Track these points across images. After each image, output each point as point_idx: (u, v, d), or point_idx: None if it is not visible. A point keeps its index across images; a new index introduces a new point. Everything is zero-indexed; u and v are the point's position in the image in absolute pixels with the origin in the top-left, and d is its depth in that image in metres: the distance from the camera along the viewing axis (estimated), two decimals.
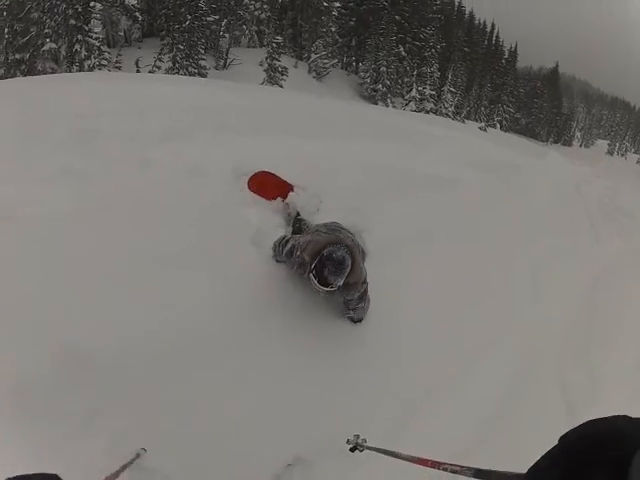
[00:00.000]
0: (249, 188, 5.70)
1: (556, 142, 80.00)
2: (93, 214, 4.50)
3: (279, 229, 5.30)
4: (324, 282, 3.84)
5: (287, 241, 4.54)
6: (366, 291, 4.36)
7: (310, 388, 3.98)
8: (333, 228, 4.39)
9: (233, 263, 4.62)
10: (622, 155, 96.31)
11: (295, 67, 40.26)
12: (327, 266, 3.78)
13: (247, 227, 5.10)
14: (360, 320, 4.68)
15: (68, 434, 3.14)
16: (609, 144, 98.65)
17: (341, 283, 3.89)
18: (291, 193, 5.77)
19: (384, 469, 3.53)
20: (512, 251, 6.99)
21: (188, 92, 9.82)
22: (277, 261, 4.79)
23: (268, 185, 5.79)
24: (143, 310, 3.88)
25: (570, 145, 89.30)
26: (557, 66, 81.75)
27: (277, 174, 5.92)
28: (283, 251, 4.48)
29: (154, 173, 5.37)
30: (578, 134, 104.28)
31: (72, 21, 27.56)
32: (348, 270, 3.87)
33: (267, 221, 5.35)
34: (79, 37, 27.83)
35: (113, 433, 3.22)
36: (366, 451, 3.34)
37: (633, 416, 1.10)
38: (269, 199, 5.70)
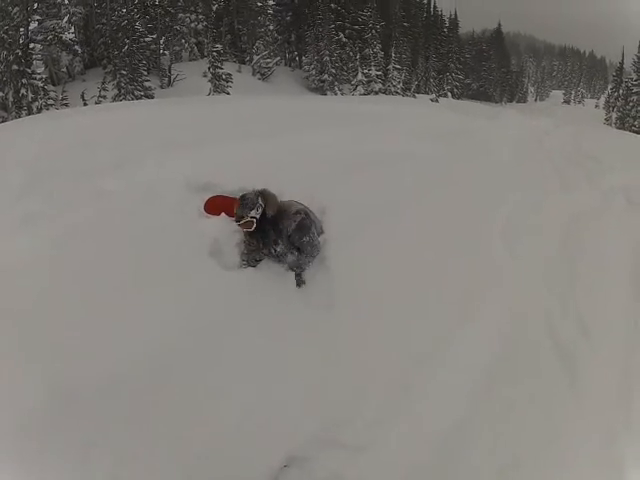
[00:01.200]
0: (207, 212, 5.68)
1: (510, 101, 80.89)
2: (53, 255, 4.55)
3: (235, 234, 5.32)
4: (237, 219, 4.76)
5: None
6: (308, 243, 4.90)
7: (294, 384, 3.96)
8: None
9: (195, 277, 4.65)
10: (579, 102, 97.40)
11: (239, 72, 40.10)
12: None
13: (203, 240, 5.11)
14: (299, 275, 5.01)
15: (66, 472, 3.14)
16: (564, 93, 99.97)
17: (247, 212, 4.71)
18: None
19: (381, 457, 3.56)
20: (481, 212, 7.04)
21: (134, 116, 9.93)
22: (248, 266, 5.04)
23: (226, 206, 5.69)
24: (120, 334, 3.92)
25: (525, 101, 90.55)
26: (499, 25, 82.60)
27: (228, 193, 5.90)
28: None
29: (108, 203, 5.42)
30: (531, 89, 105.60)
31: (15, 66, 27.58)
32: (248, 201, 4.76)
33: (223, 230, 5.35)
34: (23, 81, 27.82)
35: (111, 466, 3.21)
36: (360, 439, 3.48)
37: None
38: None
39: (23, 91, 27.80)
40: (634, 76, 52.21)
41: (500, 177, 8.72)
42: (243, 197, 4.78)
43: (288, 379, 3.96)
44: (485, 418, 4.01)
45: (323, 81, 44.17)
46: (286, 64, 49.99)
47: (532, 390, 4.34)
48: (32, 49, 28.58)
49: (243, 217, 4.71)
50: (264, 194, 4.85)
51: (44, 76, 30.09)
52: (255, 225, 4.76)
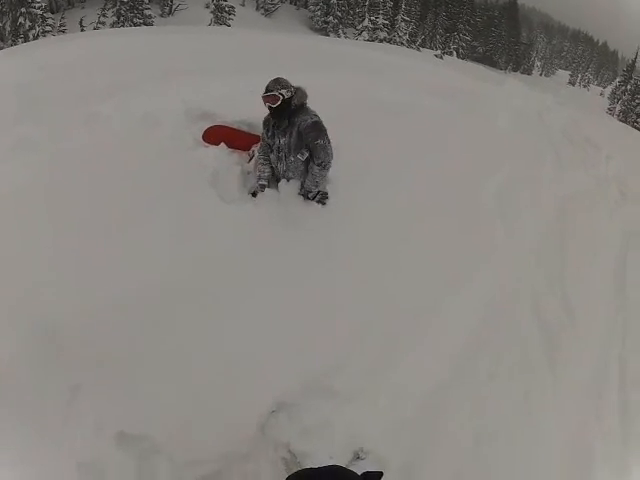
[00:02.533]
0: (206, 141, 5.63)
1: (515, 70, 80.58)
2: (48, 182, 4.44)
3: (235, 166, 5.35)
4: (266, 89, 4.84)
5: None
6: (321, 146, 4.94)
7: (287, 330, 3.95)
8: None
9: (193, 207, 4.60)
10: (584, 86, 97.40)
11: (242, 5, 39.51)
12: (268, 83, 4.87)
13: (203, 169, 5.08)
14: (311, 192, 5.06)
15: (53, 417, 3.11)
16: (571, 75, 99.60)
17: (276, 88, 4.83)
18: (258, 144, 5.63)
19: (367, 407, 3.65)
20: (477, 179, 7.04)
21: (132, 43, 9.71)
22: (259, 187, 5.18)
23: (227, 138, 5.69)
24: (110, 272, 3.84)
25: (530, 74, 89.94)
26: None
27: (228, 123, 5.91)
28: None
29: (103, 128, 5.36)
30: (538, 63, 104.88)
31: None
32: (281, 81, 4.91)
33: (223, 160, 5.33)
34: (22, 10, 27.54)
35: (98, 408, 3.19)
36: (349, 389, 3.59)
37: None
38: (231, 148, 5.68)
39: (21, 20, 27.68)
40: None
41: (499, 144, 8.73)
42: (278, 77, 4.92)
43: (282, 324, 3.94)
44: (466, 385, 4.09)
45: (327, 23, 43.45)
46: (291, 2, 49.03)
47: (512, 365, 4.47)
48: None
49: (272, 90, 4.81)
50: (298, 87, 4.98)
51: (43, 4, 29.66)
52: (279, 103, 4.85)
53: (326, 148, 4.92)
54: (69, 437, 3.02)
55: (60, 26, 30.47)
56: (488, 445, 3.75)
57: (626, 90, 57.42)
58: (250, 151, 5.66)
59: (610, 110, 58.19)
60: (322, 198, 5.08)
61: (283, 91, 4.81)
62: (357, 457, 3.43)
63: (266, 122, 5.15)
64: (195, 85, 6.60)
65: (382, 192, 5.69)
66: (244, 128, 5.93)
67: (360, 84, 8.78)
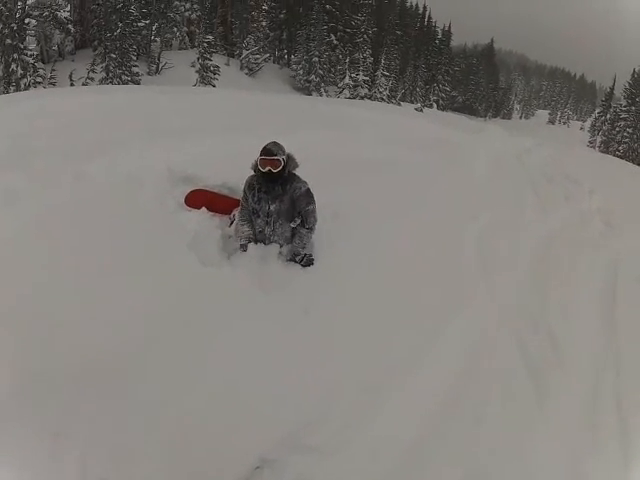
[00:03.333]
0: (188, 205, 5.76)
1: (495, 116, 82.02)
2: (30, 235, 4.50)
3: (216, 230, 5.48)
4: (268, 153, 4.96)
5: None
6: (312, 212, 5.22)
7: (266, 385, 3.96)
8: None
9: (173, 269, 4.68)
10: (564, 123, 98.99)
11: (227, 65, 40.12)
12: (266, 146, 4.98)
13: (182, 233, 5.20)
14: (302, 254, 5.25)
15: (35, 464, 3.10)
16: (550, 113, 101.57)
17: (278, 153, 4.96)
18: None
19: (350, 461, 3.59)
20: (457, 228, 7.16)
21: (121, 101, 9.99)
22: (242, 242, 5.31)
23: (209, 202, 5.84)
24: (95, 320, 3.92)
25: (510, 118, 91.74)
26: (492, 42, 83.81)
27: (210, 187, 6.05)
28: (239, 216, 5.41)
29: (89, 187, 5.41)
30: (517, 106, 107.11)
31: (8, 40, 27.59)
32: (281, 147, 5.04)
33: (204, 223, 5.47)
34: (15, 56, 27.88)
35: (84, 445, 3.21)
36: (330, 443, 3.55)
37: None
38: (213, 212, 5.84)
39: (13, 66, 27.80)
40: (624, 102, 53.04)
41: (479, 192, 8.83)
42: (276, 142, 5.03)
43: (260, 380, 3.97)
44: (453, 430, 4.05)
45: (310, 81, 44.30)
46: (275, 61, 50.11)
47: (499, 406, 4.42)
48: (27, 24, 28.75)
49: (276, 155, 4.93)
50: (289, 153, 5.14)
51: (35, 53, 30.18)
52: (280, 169, 5.00)
53: (315, 212, 5.21)
54: (54, 473, 3.05)
55: (50, 77, 30.73)
56: None
57: (606, 120, 58.25)
58: (231, 215, 5.77)
59: (591, 143, 58.82)
60: (308, 262, 5.22)
61: (283, 156, 4.99)
62: None
63: (250, 186, 5.23)
64: (179, 145, 6.75)
65: (363, 248, 5.79)
66: (225, 192, 6.07)
67: (341, 142, 8.95)
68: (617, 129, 52.19)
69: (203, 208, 5.66)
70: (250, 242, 5.24)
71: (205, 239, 5.23)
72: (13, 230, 4.45)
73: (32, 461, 3.08)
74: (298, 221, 5.16)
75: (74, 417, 3.32)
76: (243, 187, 5.34)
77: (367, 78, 46.49)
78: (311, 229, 5.21)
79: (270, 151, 4.92)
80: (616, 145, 50.73)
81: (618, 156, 40.20)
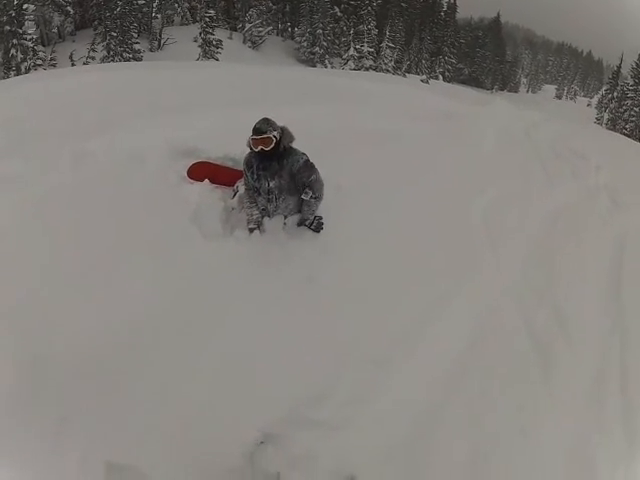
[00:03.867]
0: (190, 177, 5.73)
1: (502, 89, 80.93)
2: (32, 218, 4.54)
3: (218, 202, 5.44)
4: (257, 132, 4.81)
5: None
6: (315, 181, 5.10)
7: (270, 360, 3.97)
8: None
9: (176, 243, 4.71)
10: (571, 99, 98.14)
11: (230, 39, 40.03)
12: (255, 124, 4.85)
13: (185, 206, 5.19)
14: (309, 219, 5.26)
15: (40, 449, 3.13)
16: (557, 88, 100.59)
17: (268, 129, 4.81)
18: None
19: (357, 434, 3.62)
20: (464, 200, 7.07)
21: (122, 78, 9.92)
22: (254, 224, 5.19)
23: (211, 175, 5.81)
24: (94, 305, 3.92)
25: (516, 92, 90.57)
26: (498, 15, 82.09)
27: (213, 159, 6.03)
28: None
29: (90, 166, 5.45)
30: (524, 80, 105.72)
31: (7, 27, 28.09)
32: (271, 122, 4.88)
33: (206, 196, 5.43)
34: (14, 41, 28.35)
35: (85, 440, 3.22)
36: (336, 417, 3.61)
37: None
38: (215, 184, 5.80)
39: (13, 51, 28.38)
40: (631, 81, 52.51)
41: (486, 165, 8.74)
42: (265, 118, 4.88)
43: (263, 354, 3.97)
44: (459, 403, 4.05)
45: (314, 53, 44.00)
46: (278, 34, 49.70)
47: (504, 379, 4.41)
48: (25, 9, 28.86)
49: (265, 132, 4.78)
50: (283, 127, 4.98)
51: (35, 36, 30.50)
52: (272, 145, 4.87)
53: (319, 181, 5.09)
54: (56, 469, 3.05)
55: (51, 60, 31.08)
56: (484, 462, 3.69)
57: (613, 98, 57.66)
58: (234, 187, 5.73)
59: (598, 120, 58.31)
60: (319, 225, 5.21)
61: (275, 132, 4.84)
62: None
63: (248, 164, 5.14)
64: (181, 121, 6.71)
65: (367, 220, 5.75)
66: (228, 163, 6.04)
67: (346, 114, 8.85)
68: (624, 107, 51.62)
69: (206, 180, 5.63)
70: (259, 226, 5.16)
71: (208, 212, 5.20)
72: (12, 216, 4.46)
73: (34, 457, 3.09)
74: (310, 193, 5.05)
75: (78, 404, 3.34)
76: (242, 166, 5.27)
77: (372, 50, 46.13)
78: (319, 197, 5.12)
79: (259, 130, 4.80)
80: (623, 123, 50.21)
81: (625, 134, 39.81)
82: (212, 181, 5.68)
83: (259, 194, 5.15)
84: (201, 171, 5.72)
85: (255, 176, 5.08)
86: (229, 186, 5.78)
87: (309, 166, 5.05)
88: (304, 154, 5.06)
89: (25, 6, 28.52)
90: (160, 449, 3.30)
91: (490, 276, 5.75)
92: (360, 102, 10.88)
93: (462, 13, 74.27)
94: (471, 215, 6.81)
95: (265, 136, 4.78)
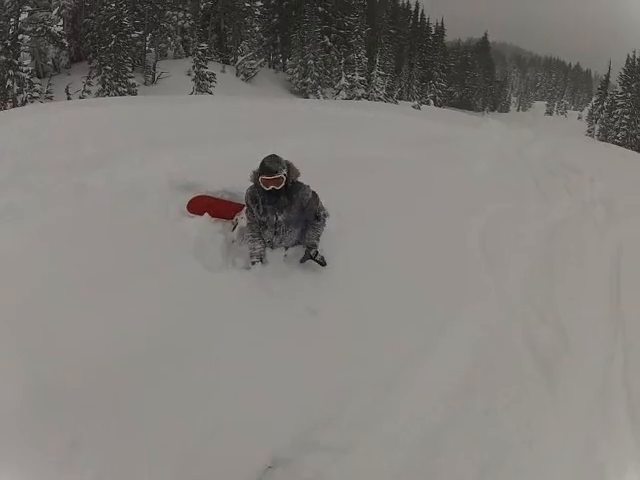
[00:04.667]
0: (190, 211, 5.74)
1: (492, 110, 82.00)
2: (33, 250, 4.54)
3: (219, 235, 5.44)
4: (269, 172, 4.77)
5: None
6: (319, 208, 5.19)
7: (277, 385, 3.96)
8: None
9: (177, 276, 4.66)
10: (562, 113, 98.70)
11: (223, 72, 40.43)
12: (265, 162, 4.81)
13: (186, 240, 5.18)
14: (315, 246, 5.17)
15: (53, 475, 3.09)
16: (547, 104, 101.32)
17: (279, 168, 4.79)
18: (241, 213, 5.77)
19: (365, 457, 3.60)
20: (459, 222, 7.15)
21: (118, 113, 10.12)
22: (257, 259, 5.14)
23: (211, 208, 5.82)
24: (98, 330, 3.89)
25: (507, 111, 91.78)
26: (486, 35, 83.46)
27: (211, 193, 6.02)
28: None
29: (90, 200, 5.45)
30: (514, 99, 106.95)
31: (2, 57, 28.28)
32: (280, 160, 4.84)
33: (207, 230, 5.43)
34: (10, 72, 28.52)
35: (97, 465, 3.17)
36: (342, 441, 3.59)
37: None
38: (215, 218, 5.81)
39: (9, 82, 28.47)
40: (619, 89, 52.90)
41: (480, 187, 8.81)
42: (274, 156, 4.85)
43: (271, 381, 3.97)
44: (465, 422, 4.07)
45: (306, 84, 44.50)
46: (270, 66, 50.36)
47: (509, 397, 4.41)
48: (21, 40, 29.52)
49: (277, 172, 4.76)
50: (289, 162, 4.98)
51: (30, 68, 30.90)
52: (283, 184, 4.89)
53: (323, 207, 5.21)
54: None
55: (47, 92, 31.20)
56: (494, 477, 3.70)
57: (603, 108, 58.05)
58: (234, 220, 5.77)
59: (589, 132, 58.62)
60: (322, 259, 5.15)
61: (285, 171, 4.83)
62: None
63: (253, 199, 5.10)
64: (178, 155, 6.77)
65: (367, 247, 5.79)
66: (226, 197, 6.06)
67: (340, 142, 8.99)
68: (614, 116, 52.00)
69: (205, 214, 5.64)
70: (262, 259, 5.15)
71: (209, 245, 5.21)
72: (16, 246, 4.49)
73: (50, 469, 3.07)
74: (318, 223, 5.16)
75: (90, 427, 3.32)
76: (245, 199, 5.23)
77: (363, 78, 46.67)
78: (324, 222, 5.19)
79: (270, 170, 4.76)
80: (614, 132, 50.55)
81: (617, 143, 40.11)
82: (211, 214, 5.70)
83: (265, 227, 5.17)
84: (200, 205, 5.74)
85: (261, 210, 5.07)
86: (228, 219, 5.82)
87: (316, 196, 5.14)
88: (308, 185, 5.11)
89: (20, 37, 29.04)
90: (168, 469, 3.30)
91: (491, 296, 5.79)
92: (354, 130, 11.04)
93: (450, 36, 75.92)
94: (468, 237, 6.88)
95: (277, 177, 4.78)
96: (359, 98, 43.11)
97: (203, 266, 4.88)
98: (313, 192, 5.12)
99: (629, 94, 51.19)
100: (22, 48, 29.72)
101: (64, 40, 34.66)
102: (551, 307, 5.82)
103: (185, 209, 5.69)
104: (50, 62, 36.59)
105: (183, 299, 4.42)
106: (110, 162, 6.21)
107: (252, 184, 5.08)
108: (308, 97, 41.55)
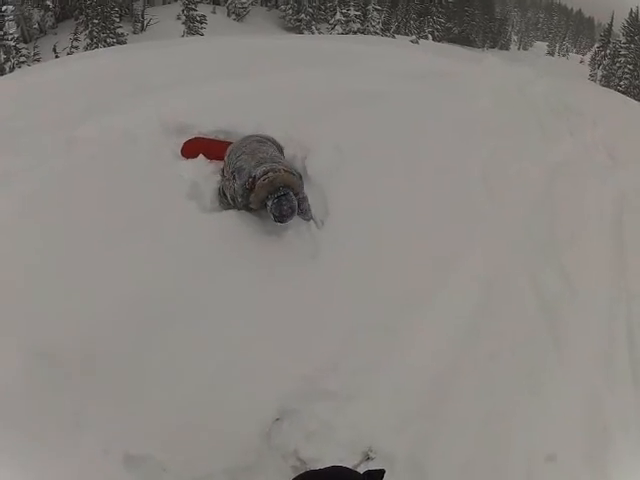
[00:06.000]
0: (184, 155, 5.58)
1: (492, 47, 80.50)
2: (32, 210, 4.41)
3: (213, 176, 5.32)
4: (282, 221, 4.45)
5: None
6: (305, 198, 4.89)
7: (280, 335, 3.95)
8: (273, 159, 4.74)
9: (174, 220, 4.58)
10: (563, 56, 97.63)
11: (213, 13, 39.64)
12: (281, 214, 4.41)
13: (181, 183, 5.07)
14: (310, 218, 5.02)
15: (60, 442, 3.11)
16: (549, 45, 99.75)
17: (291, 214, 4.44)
18: None
19: (370, 404, 3.68)
20: (460, 156, 6.97)
21: (106, 64, 9.47)
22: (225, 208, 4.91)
23: (205, 150, 5.64)
24: (96, 290, 3.84)
25: (508, 49, 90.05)
26: None
27: (205, 134, 5.88)
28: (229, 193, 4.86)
29: (82, 152, 5.25)
30: (515, 38, 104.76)
31: None
32: (296, 211, 4.50)
33: (201, 172, 5.33)
34: None
35: (103, 430, 3.21)
36: (348, 389, 3.68)
37: None
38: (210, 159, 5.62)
39: None
40: (623, 39, 52.27)
41: (482, 122, 8.60)
42: (282, 207, 4.39)
43: (273, 330, 3.95)
44: (470, 367, 4.13)
45: (300, 20, 43.56)
46: (262, 4, 49.02)
47: (514, 342, 4.46)
48: (4, 11, 28.57)
49: (298, 193, 4.61)
50: (293, 189, 4.59)
51: (16, 35, 30.04)
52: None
53: (308, 209, 5.01)
54: (78, 462, 3.03)
55: (34, 55, 30.76)
56: (499, 425, 3.76)
57: (606, 55, 57.45)
58: None
59: (592, 76, 58.13)
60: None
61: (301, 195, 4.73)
62: (367, 457, 3.44)
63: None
64: (171, 99, 6.44)
65: (367, 184, 5.65)
66: (221, 137, 5.91)
67: (337, 76, 8.71)
68: (617, 64, 51.46)
69: (200, 156, 5.51)
70: None
71: (204, 186, 5.13)
72: (8, 209, 4.35)
73: (57, 436, 3.10)
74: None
75: (93, 391, 3.32)
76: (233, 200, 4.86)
77: (359, 13, 45.74)
78: (308, 213, 5.01)
79: (285, 220, 4.48)
80: (617, 80, 50.01)
81: (620, 91, 39.77)
82: (206, 156, 5.56)
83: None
84: (195, 148, 5.61)
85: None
86: (223, 160, 5.51)
87: (306, 199, 4.95)
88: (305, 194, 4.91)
89: (4, 8, 28.24)
90: (177, 436, 3.31)
91: (494, 237, 5.73)
92: (351, 64, 10.70)
93: None
94: (470, 174, 6.71)
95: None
96: (355, 33, 42.27)
97: (199, 208, 4.79)
98: (306, 198, 4.91)
99: (632, 45, 50.47)
100: (7, 18, 28.79)
101: (48, 1, 33.96)
102: (554, 250, 5.83)
103: (179, 154, 5.55)
104: (36, 25, 35.63)
105: (181, 245, 4.34)
106: (100, 113, 5.93)
107: (250, 204, 4.69)
108: (302, 33, 40.66)
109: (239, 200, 4.66)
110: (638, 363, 4.58)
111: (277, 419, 3.52)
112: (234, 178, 4.66)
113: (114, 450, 3.12)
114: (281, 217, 4.39)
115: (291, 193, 4.46)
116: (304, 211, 4.90)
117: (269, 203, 4.41)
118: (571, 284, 5.30)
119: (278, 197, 4.38)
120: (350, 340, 4.04)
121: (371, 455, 3.44)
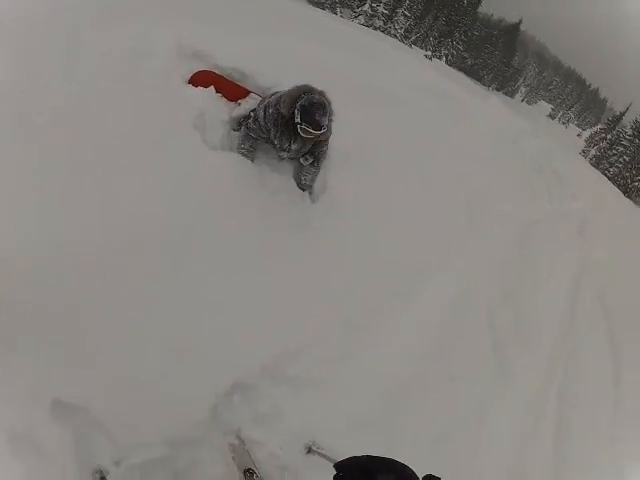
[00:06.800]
0: (194, 84, 5.23)
1: (498, 90, 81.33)
2: (28, 124, 3.92)
3: (223, 112, 5.07)
4: (317, 126, 4.17)
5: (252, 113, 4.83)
6: (325, 152, 4.81)
7: (256, 305, 3.81)
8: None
9: (175, 152, 4.30)
10: (563, 123, 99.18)
11: None
12: (314, 112, 4.15)
13: (189, 110, 4.76)
14: (310, 187, 4.95)
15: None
16: (552, 108, 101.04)
17: (327, 122, 4.26)
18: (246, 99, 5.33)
19: (321, 396, 3.65)
20: (453, 181, 7.13)
21: None
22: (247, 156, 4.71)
23: (215, 85, 5.30)
24: (71, 214, 3.47)
25: (512, 97, 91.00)
26: (520, 22, 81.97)
27: (220, 69, 5.57)
28: (250, 121, 4.69)
29: (87, 61, 4.69)
30: (523, 89, 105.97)
31: None
32: (330, 110, 4.28)
33: (211, 103, 5.03)
34: None
35: (34, 368, 2.86)
36: (307, 377, 3.60)
37: None
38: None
39: None
40: (629, 131, 53.06)
41: (477, 155, 8.75)
42: (324, 106, 4.20)
43: (249, 301, 3.78)
44: (430, 386, 4.26)
45: None
46: None
47: (470, 370, 4.71)
48: None
49: (323, 127, 4.22)
50: (326, 98, 4.34)
51: None
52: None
53: (326, 153, 4.89)
54: (2, 401, 2.74)
55: None
56: (447, 442, 3.92)
57: (605, 138, 58.53)
58: (236, 104, 5.29)
59: (584, 152, 59.30)
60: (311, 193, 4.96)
61: (330, 125, 4.39)
62: (309, 450, 3.36)
63: (276, 124, 4.48)
64: (193, 26, 5.94)
65: (366, 178, 5.64)
66: (235, 76, 5.59)
67: (356, 66, 8.75)
68: (614, 151, 52.60)
69: (211, 87, 5.17)
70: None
71: (211, 120, 4.83)
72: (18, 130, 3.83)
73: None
74: (310, 160, 4.74)
75: (32, 324, 2.98)
76: (263, 115, 4.54)
77: (386, 12, 45.83)
78: (320, 167, 4.88)
79: (318, 124, 4.16)
80: (607, 165, 51.23)
81: (607, 176, 40.66)
82: (217, 89, 5.22)
83: (273, 145, 4.71)
84: (205, 80, 5.26)
85: (279, 134, 4.51)
86: (232, 101, 5.30)
87: (323, 157, 4.85)
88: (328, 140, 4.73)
89: None
90: (118, 395, 3.03)
91: (467, 265, 5.96)
92: (374, 59, 10.71)
93: (484, 8, 74.44)
94: (456, 198, 6.92)
95: (323, 132, 4.30)
96: (376, 29, 42.26)
97: (203, 142, 4.51)
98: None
99: (637, 140, 51.62)
100: None
101: None
102: (515, 292, 6.16)
103: (189, 80, 5.23)
104: None
105: (177, 179, 4.08)
106: (112, 22, 5.26)
107: (279, 106, 4.38)
108: (325, 10, 40.58)
109: (270, 111, 4.42)
110: (563, 418, 4.91)
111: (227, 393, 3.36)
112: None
113: (43, 392, 2.83)
114: (312, 116, 4.15)
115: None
116: (319, 157, 4.79)
117: (300, 102, 4.18)
118: (521, 332, 5.55)
119: (309, 96, 4.19)
120: (317, 330, 3.97)
121: (313, 449, 3.35)
